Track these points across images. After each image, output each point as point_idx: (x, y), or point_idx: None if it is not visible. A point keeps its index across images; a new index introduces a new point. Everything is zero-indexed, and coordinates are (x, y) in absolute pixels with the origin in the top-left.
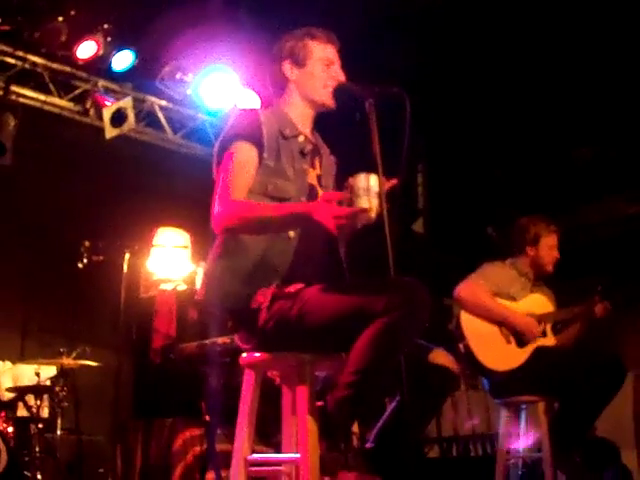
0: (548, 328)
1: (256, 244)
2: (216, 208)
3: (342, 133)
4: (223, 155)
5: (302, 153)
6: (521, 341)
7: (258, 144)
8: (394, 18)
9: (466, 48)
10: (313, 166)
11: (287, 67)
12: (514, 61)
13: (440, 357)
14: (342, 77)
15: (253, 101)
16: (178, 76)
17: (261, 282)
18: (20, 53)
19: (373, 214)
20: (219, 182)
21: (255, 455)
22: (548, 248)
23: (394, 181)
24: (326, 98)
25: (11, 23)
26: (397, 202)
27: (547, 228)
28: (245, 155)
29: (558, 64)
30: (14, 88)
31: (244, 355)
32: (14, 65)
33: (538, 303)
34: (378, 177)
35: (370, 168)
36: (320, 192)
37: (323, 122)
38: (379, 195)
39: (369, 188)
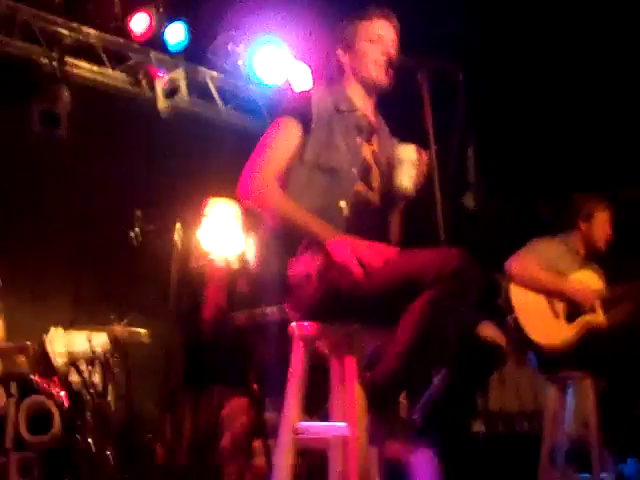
0: (598, 305)
1: (310, 211)
2: (247, 177)
3: (397, 108)
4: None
5: (358, 128)
6: (570, 316)
7: (304, 122)
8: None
9: (520, 26)
10: (369, 142)
11: (340, 53)
12: (565, 40)
13: (488, 330)
14: (392, 51)
15: (305, 74)
16: (230, 47)
17: (313, 249)
18: (74, 25)
19: (409, 184)
20: (259, 144)
21: (303, 423)
22: (601, 225)
23: (428, 152)
24: (378, 75)
25: None
26: (448, 175)
27: (601, 204)
28: (287, 130)
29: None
30: (68, 60)
31: (293, 325)
32: (68, 37)
33: (588, 280)
34: (418, 149)
35: (422, 141)
36: (374, 168)
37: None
38: (416, 166)
39: (404, 159)
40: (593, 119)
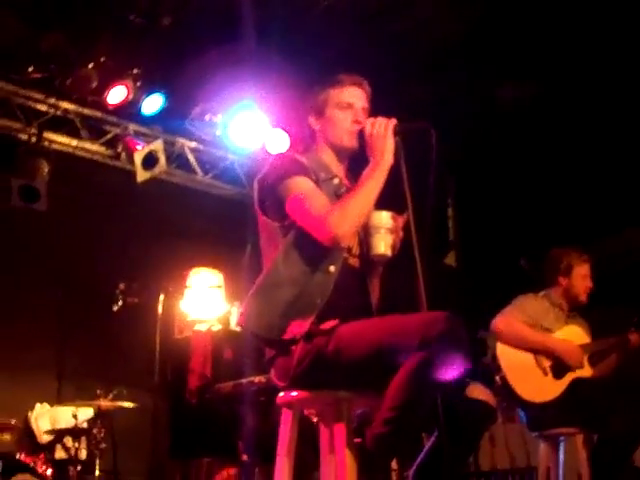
0: (585, 359)
1: (297, 277)
2: (324, 229)
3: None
4: (283, 202)
5: (337, 195)
6: (558, 372)
7: (310, 177)
8: (425, 59)
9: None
10: None
11: (312, 119)
12: (541, 94)
13: (477, 391)
14: (362, 118)
15: (282, 141)
16: (207, 117)
17: (298, 314)
18: (52, 100)
19: (386, 251)
20: (305, 223)
21: None
22: (581, 278)
23: (405, 217)
24: (347, 141)
25: (43, 71)
26: (429, 236)
27: (579, 258)
28: (307, 184)
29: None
30: (47, 134)
31: (281, 394)
32: (46, 112)
33: (574, 334)
34: (390, 214)
35: (401, 205)
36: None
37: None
38: (392, 231)
39: (380, 226)
40: (572, 172)
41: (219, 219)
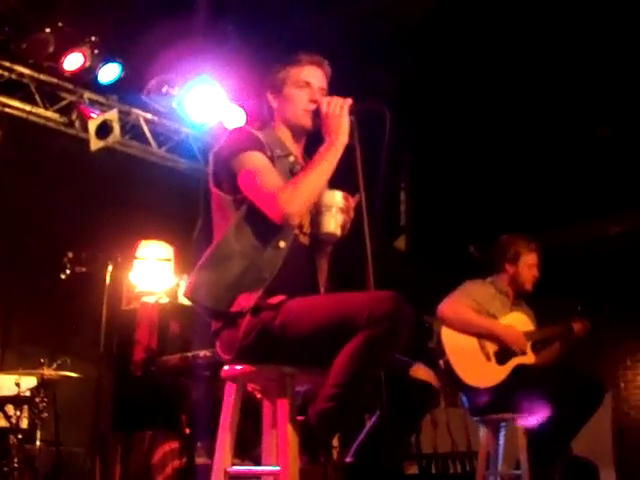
0: (528, 346)
1: (247, 251)
2: (275, 206)
3: None
4: (236, 175)
5: (292, 172)
6: (501, 358)
7: (265, 153)
8: (379, 35)
9: (450, 66)
10: None
11: (270, 97)
12: (495, 82)
13: (421, 372)
14: (319, 98)
15: (238, 116)
16: (164, 89)
17: (246, 287)
18: (7, 64)
19: (336, 230)
20: (256, 198)
21: (235, 467)
22: (527, 267)
23: (356, 198)
24: (304, 120)
25: None
26: (378, 219)
27: (527, 246)
28: (261, 160)
29: (537, 85)
30: (0, 98)
31: (225, 367)
32: (0, 75)
33: (519, 322)
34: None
35: (355, 185)
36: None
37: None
38: (343, 211)
39: (332, 205)
40: (523, 162)
41: (172, 192)
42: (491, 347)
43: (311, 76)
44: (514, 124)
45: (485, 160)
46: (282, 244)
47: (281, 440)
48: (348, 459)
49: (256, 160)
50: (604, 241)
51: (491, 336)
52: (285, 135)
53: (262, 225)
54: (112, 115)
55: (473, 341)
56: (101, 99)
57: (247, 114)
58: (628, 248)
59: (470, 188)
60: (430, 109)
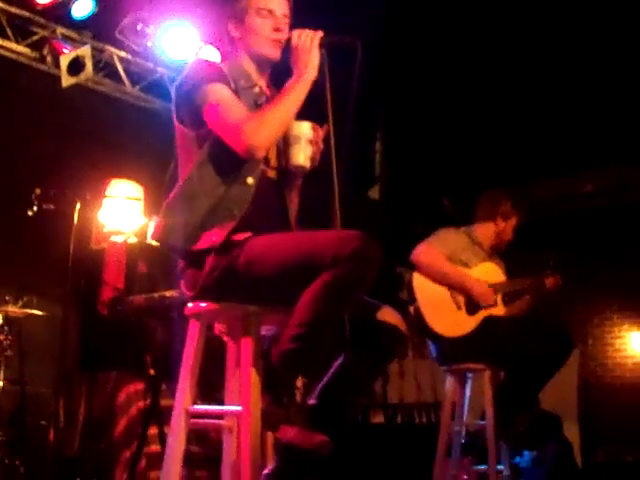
0: (498, 298)
1: (214, 188)
2: (240, 138)
3: None
4: (200, 108)
5: (257, 104)
6: (471, 308)
7: (228, 85)
8: None
9: (425, 14)
10: None
11: (231, 27)
12: (471, 31)
13: (388, 315)
14: (283, 26)
15: (213, 56)
16: (139, 27)
17: (215, 225)
18: None
19: (305, 162)
20: (221, 131)
21: (196, 406)
22: (511, 227)
23: (325, 128)
24: (269, 50)
25: None
26: (353, 165)
27: (517, 208)
28: (224, 91)
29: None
30: None
31: (189, 305)
32: None
33: (490, 272)
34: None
35: (323, 119)
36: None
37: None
38: (312, 143)
39: (300, 136)
40: (498, 117)
41: (144, 132)
42: (461, 297)
43: (273, 3)
44: (489, 77)
45: (460, 113)
46: (250, 180)
47: (244, 380)
48: (311, 401)
49: (220, 92)
50: (578, 197)
51: (460, 288)
52: (249, 66)
53: (227, 161)
54: (85, 51)
55: (444, 289)
56: (74, 35)
57: (222, 55)
58: (603, 205)
59: (445, 141)
60: (405, 59)
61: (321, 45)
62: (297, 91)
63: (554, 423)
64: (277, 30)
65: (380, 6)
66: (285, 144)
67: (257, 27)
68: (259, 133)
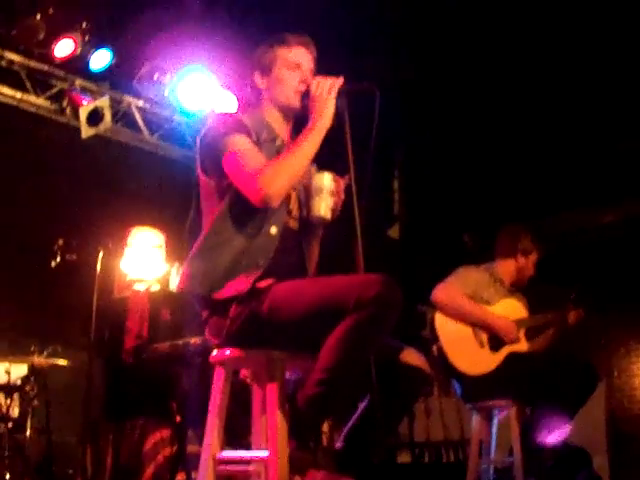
0: (521, 334)
1: (237, 239)
2: (255, 187)
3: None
4: (220, 159)
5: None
6: (494, 345)
7: (250, 137)
8: (376, 28)
9: (444, 55)
10: None
11: (257, 77)
12: (487, 71)
13: (412, 357)
14: (310, 79)
15: (231, 103)
16: (156, 77)
17: (240, 273)
18: None
19: (326, 214)
20: (237, 181)
21: (224, 453)
22: (532, 263)
23: (346, 179)
24: (293, 101)
25: None
26: (372, 205)
27: (537, 245)
28: (244, 143)
29: (531, 74)
30: None
31: (214, 352)
32: None
33: (512, 308)
34: (333, 176)
35: (344, 168)
36: (292, 195)
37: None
38: (333, 194)
39: (322, 188)
40: (517, 151)
41: (164, 180)
42: (484, 334)
43: (301, 57)
44: (507, 112)
45: (478, 149)
46: (274, 230)
47: (270, 425)
48: (338, 444)
49: (240, 143)
50: (598, 229)
51: (483, 325)
52: (273, 117)
53: (249, 213)
54: (103, 102)
55: (466, 327)
56: (92, 86)
57: (239, 102)
58: (623, 236)
59: (463, 177)
60: (424, 99)
61: (340, 93)
62: (311, 140)
63: (582, 457)
64: (304, 82)
65: (400, 48)
66: (307, 195)
67: (285, 79)
68: (274, 182)
